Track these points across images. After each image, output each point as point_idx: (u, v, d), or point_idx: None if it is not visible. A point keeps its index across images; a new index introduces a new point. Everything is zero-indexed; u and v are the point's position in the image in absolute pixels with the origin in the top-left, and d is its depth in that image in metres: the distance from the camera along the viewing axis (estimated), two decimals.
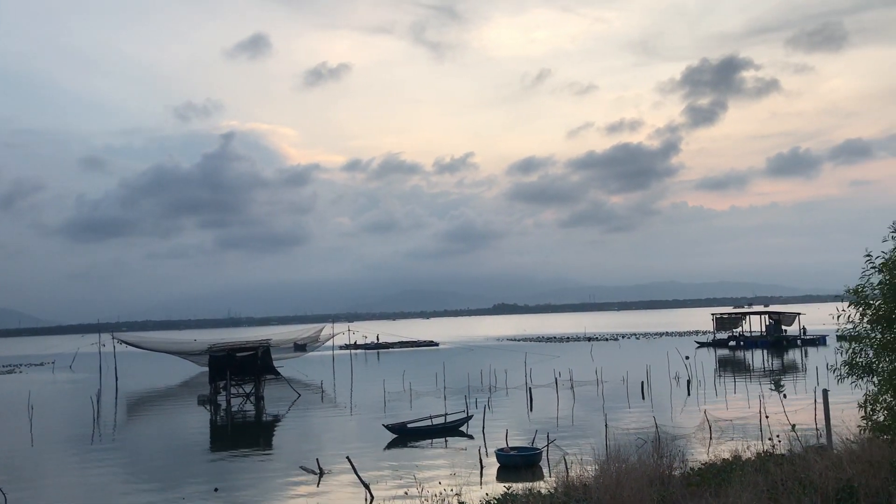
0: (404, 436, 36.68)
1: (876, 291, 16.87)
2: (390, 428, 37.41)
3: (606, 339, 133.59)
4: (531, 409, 45.67)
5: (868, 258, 17.10)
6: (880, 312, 16.62)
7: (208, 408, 53.74)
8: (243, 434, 43.22)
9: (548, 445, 29.69)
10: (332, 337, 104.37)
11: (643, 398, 48.43)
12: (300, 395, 57.84)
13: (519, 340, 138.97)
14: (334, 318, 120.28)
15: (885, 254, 17.12)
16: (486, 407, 43.06)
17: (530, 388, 53.60)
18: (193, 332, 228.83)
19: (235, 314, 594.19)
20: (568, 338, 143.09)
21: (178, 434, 42.77)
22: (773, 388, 15.29)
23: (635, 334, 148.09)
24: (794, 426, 15.62)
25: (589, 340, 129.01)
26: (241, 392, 57.21)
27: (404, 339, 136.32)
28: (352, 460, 25.70)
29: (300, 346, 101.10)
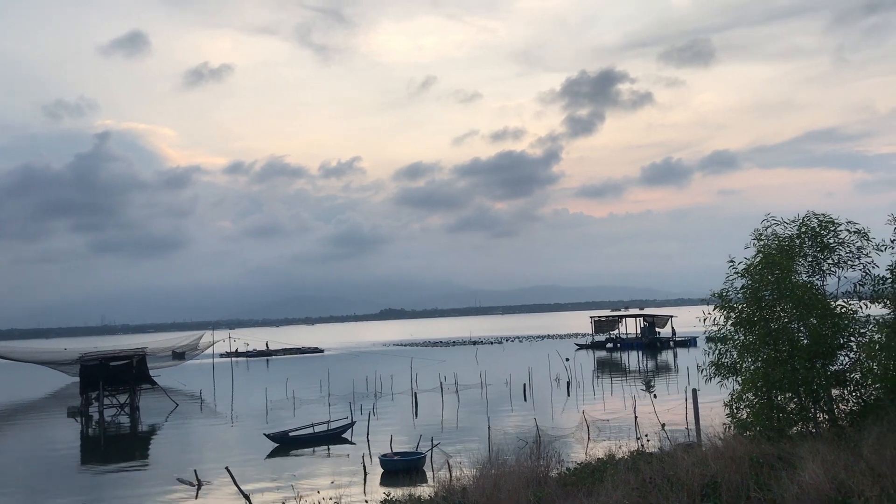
0: (286, 444, 36.01)
1: (739, 295, 17.80)
2: (271, 437, 36.65)
3: (491, 343, 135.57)
4: (417, 414, 45.76)
5: (731, 264, 18.03)
6: (743, 315, 17.55)
7: (79, 420, 51.14)
8: (117, 446, 41.34)
9: (432, 449, 29.81)
10: (213, 344, 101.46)
11: (525, 400, 49.40)
12: (178, 405, 55.89)
13: (405, 345, 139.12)
14: (215, 325, 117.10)
15: (748, 259, 18.09)
16: (372, 413, 42.86)
17: (416, 393, 53.73)
18: (64, 341, 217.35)
19: (110, 321, 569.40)
20: (454, 342, 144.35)
21: (45, 448, 40.43)
22: (645, 388, 15.91)
23: (519, 337, 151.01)
24: (663, 425, 16.31)
25: (474, 344, 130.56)
26: (114, 403, 54.85)
27: (288, 346, 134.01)
28: (231, 471, 24.99)
29: (178, 355, 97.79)
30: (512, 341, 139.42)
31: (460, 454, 26.29)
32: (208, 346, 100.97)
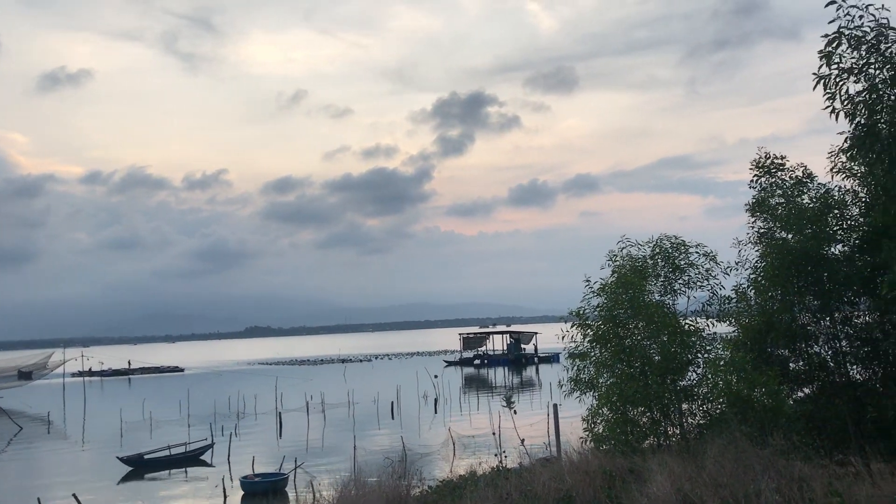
0: (141, 468, 34.34)
1: (595, 313, 18.46)
2: (125, 460, 34.85)
3: (360, 361, 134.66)
4: (281, 435, 44.76)
5: (587, 283, 18.70)
6: (599, 333, 18.21)
7: None
8: None
9: (295, 470, 29.20)
10: (63, 363, 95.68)
11: (393, 418, 49.30)
12: (22, 429, 52.26)
13: (271, 364, 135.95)
14: (67, 343, 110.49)
15: (603, 279, 18.81)
16: (233, 433, 41.54)
17: (280, 413, 52.56)
18: None
19: None
20: (321, 360, 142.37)
21: None
22: (506, 404, 16.22)
23: (388, 355, 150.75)
24: (523, 440, 16.63)
25: (342, 362, 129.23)
26: None
27: (146, 365, 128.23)
28: (79, 498, 23.54)
29: (25, 374, 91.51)
30: (381, 359, 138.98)
31: (324, 475, 25.91)
32: (59, 365, 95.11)
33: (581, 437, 17.93)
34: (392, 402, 54.62)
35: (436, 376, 73.76)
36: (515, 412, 15.94)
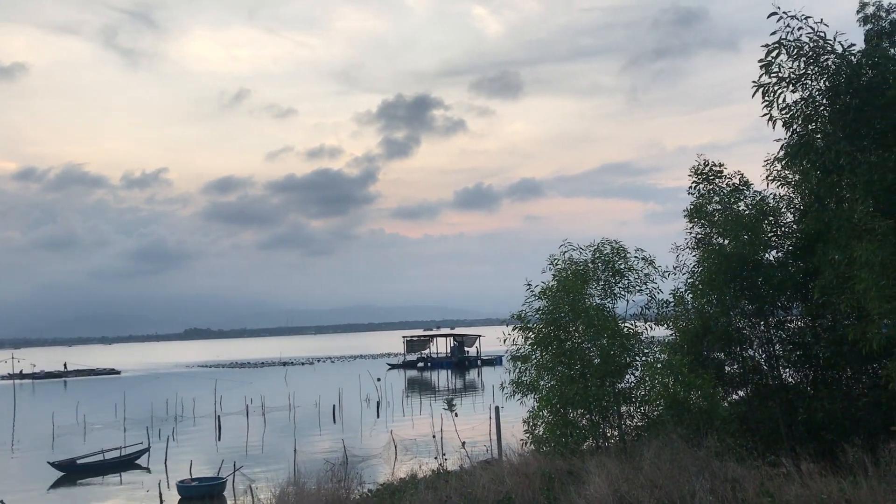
0: (73, 473, 33.40)
1: (537, 316, 18.57)
2: (57, 465, 33.85)
3: (302, 364, 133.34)
4: (220, 438, 44.04)
5: (528, 286, 18.82)
6: (540, 336, 18.32)
7: None
8: None
9: (233, 474, 28.74)
10: None
11: (335, 421, 48.94)
12: None
13: (211, 367, 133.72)
14: None
15: (545, 283, 18.94)
16: (171, 437, 40.69)
17: (220, 417, 51.71)
18: None
19: None
20: (263, 363, 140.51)
21: None
22: (447, 407, 16.16)
23: (331, 358, 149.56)
24: (463, 443, 16.62)
25: (284, 365, 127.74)
26: None
27: (81, 367, 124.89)
28: None
29: None
30: (324, 362, 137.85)
31: (264, 479, 25.53)
32: None
33: (521, 440, 18.01)
34: (334, 406, 54.20)
35: (378, 379, 73.44)
36: (457, 415, 15.92)
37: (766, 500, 8.73)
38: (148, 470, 33.90)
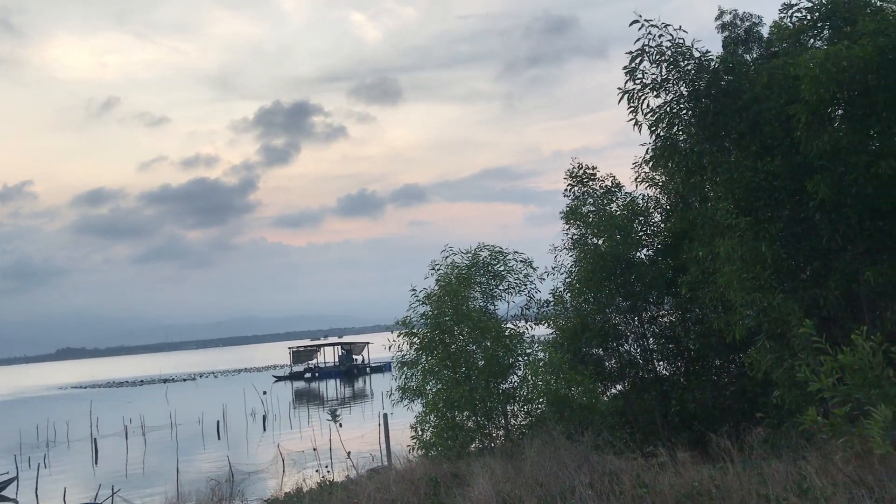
0: None
1: (422, 321, 18.68)
2: None
3: (184, 380, 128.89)
4: (97, 462, 42.02)
5: (413, 292, 18.92)
6: (425, 341, 18.43)
7: None
8: None
9: (111, 498, 27.46)
10: None
11: (219, 438, 47.62)
12: None
13: (86, 388, 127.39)
14: None
15: (428, 288, 19.10)
16: (42, 464, 38.46)
17: (96, 439, 49.30)
18: None
19: None
20: (142, 381, 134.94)
21: None
22: (330, 418, 15.87)
23: (214, 373, 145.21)
24: (349, 453, 16.46)
25: (165, 382, 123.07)
26: None
27: None
28: None
29: None
30: (207, 377, 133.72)
31: (145, 501, 24.55)
32: None
33: (408, 445, 18.03)
34: (218, 422, 52.68)
35: (264, 392, 71.83)
36: (341, 426, 15.75)
37: (641, 490, 9.05)
38: (16, 501, 31.95)
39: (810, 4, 13.69)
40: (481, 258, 19.38)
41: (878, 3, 14.42)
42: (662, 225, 19.60)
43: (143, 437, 50.90)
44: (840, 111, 13.10)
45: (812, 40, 14.04)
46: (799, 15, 13.85)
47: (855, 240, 12.98)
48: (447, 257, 19.61)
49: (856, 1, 13.38)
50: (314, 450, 29.32)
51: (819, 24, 13.79)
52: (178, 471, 28.66)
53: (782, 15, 14.16)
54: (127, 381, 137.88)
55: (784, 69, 13.14)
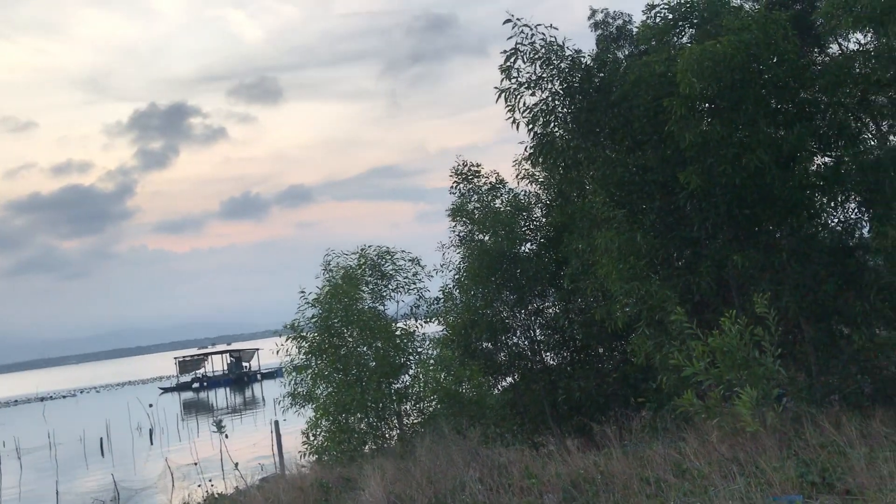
0: None
1: (311, 325, 18.44)
2: None
3: (63, 397, 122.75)
4: None
5: (302, 294, 18.65)
6: (315, 344, 18.21)
7: None
8: None
9: None
10: None
11: (103, 455, 45.64)
12: None
13: None
14: None
15: (318, 289, 18.85)
16: None
17: None
18: None
19: None
20: (16, 401, 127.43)
21: None
22: (216, 429, 15.48)
23: (95, 388, 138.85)
24: (236, 464, 16.11)
25: (42, 401, 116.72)
26: None
27: None
28: None
29: None
30: (88, 392, 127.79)
31: None
32: None
33: (299, 451, 17.79)
34: (101, 439, 50.46)
35: (150, 405, 69.22)
36: (227, 436, 15.37)
37: (530, 481, 9.23)
38: None
39: (669, 5, 14.30)
40: (368, 258, 19.29)
41: (738, 3, 15.25)
42: (544, 219, 20.06)
43: (18, 459, 48.17)
44: (708, 105, 13.72)
45: (676, 38, 14.65)
46: (661, 15, 14.43)
47: (723, 227, 13.65)
48: (330, 261, 19.43)
49: (712, 3, 14.05)
50: (195, 464, 28.47)
51: (680, 24, 14.42)
52: (57, 493, 27.30)
53: (647, 15, 14.73)
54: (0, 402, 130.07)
55: (650, 67, 13.67)
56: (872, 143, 14.49)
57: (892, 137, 14.09)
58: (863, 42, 14.36)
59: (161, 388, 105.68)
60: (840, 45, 16.34)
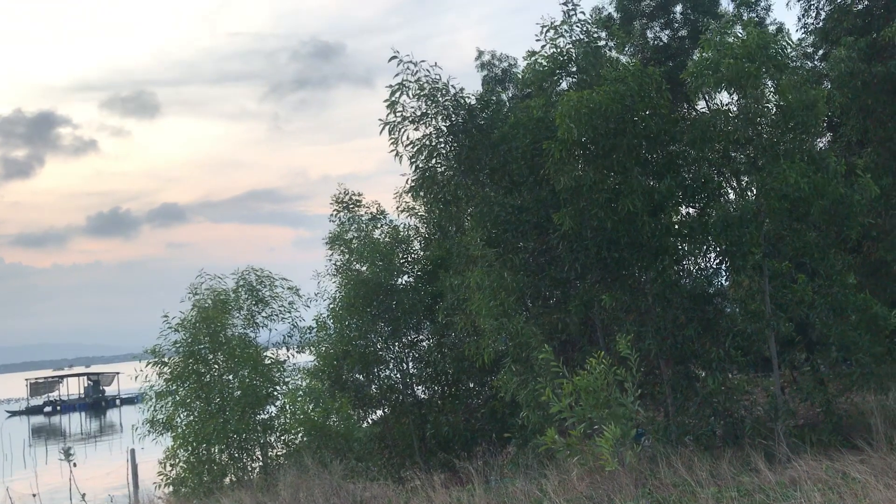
0: None
1: (173, 350, 17.72)
2: None
3: None
4: None
5: (165, 318, 17.92)
6: (177, 370, 17.50)
7: None
8: None
9: None
10: None
11: None
12: None
13: None
14: None
15: (183, 313, 18.16)
16: None
17: None
18: None
19: None
20: None
21: None
22: (63, 457, 14.57)
23: None
24: (83, 495, 15.17)
25: None
26: None
27: None
28: None
29: None
30: None
31: None
32: None
33: (154, 483, 16.98)
34: None
35: None
36: (75, 465, 14.47)
37: None
38: None
39: (548, 54, 14.82)
40: (247, 282, 18.77)
41: (613, 55, 15.94)
42: (422, 253, 20.20)
43: None
44: (583, 151, 14.21)
45: (553, 86, 15.15)
46: (540, 62, 14.92)
47: (593, 268, 14.09)
48: (203, 283, 18.79)
49: (588, 54, 14.64)
50: (34, 496, 26.49)
51: (558, 72, 14.94)
52: None
53: (527, 61, 15.19)
54: None
55: (528, 112, 14.09)
56: (732, 197, 15.38)
57: (748, 194, 14.96)
58: (726, 102, 15.27)
59: (8, 412, 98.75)
60: (707, 102, 17.38)
